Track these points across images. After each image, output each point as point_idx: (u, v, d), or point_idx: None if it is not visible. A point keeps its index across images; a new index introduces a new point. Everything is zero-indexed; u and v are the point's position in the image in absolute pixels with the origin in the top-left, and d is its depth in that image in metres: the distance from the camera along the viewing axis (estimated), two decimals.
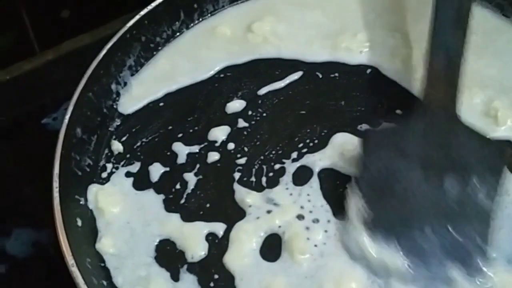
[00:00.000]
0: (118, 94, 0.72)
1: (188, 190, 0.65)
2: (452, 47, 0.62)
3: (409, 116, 0.62)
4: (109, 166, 0.68)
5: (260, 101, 0.71)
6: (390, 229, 0.57)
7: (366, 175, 0.60)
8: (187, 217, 0.63)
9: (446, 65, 0.62)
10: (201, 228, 0.62)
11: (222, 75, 0.74)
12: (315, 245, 0.60)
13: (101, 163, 0.68)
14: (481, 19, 0.72)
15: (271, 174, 0.65)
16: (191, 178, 0.66)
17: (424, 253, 0.56)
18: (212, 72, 0.74)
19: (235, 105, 0.71)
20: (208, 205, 0.64)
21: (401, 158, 0.59)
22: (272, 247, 0.61)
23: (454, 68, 0.62)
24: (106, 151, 0.69)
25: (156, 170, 0.67)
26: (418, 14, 0.75)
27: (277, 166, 0.66)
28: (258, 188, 0.65)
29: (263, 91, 0.72)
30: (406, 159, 0.59)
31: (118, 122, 0.71)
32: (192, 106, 0.72)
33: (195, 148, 0.68)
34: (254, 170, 0.66)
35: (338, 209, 0.61)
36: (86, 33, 0.86)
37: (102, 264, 0.61)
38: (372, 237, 0.57)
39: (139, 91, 0.73)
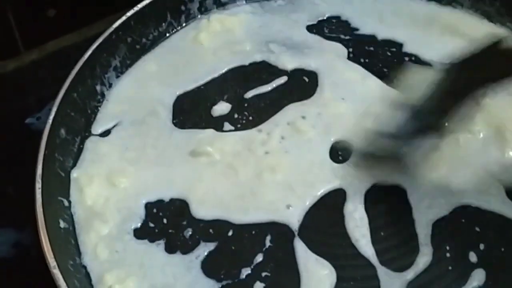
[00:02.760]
0: (102, 95, 0.72)
1: None
2: None
3: None
4: None
5: (246, 105, 0.71)
6: None
7: None
8: None
9: None
10: None
11: (208, 78, 0.74)
12: None
13: None
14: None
15: None
16: None
17: None
18: (198, 76, 0.74)
19: (221, 108, 0.71)
20: None
21: None
22: None
23: None
24: None
25: None
26: None
27: None
28: None
29: (249, 94, 0.72)
30: None
31: None
32: (177, 108, 0.71)
33: None
34: None
35: None
36: (71, 33, 0.86)
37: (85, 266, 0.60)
38: None
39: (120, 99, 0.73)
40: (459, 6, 0.78)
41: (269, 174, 0.65)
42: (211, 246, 0.61)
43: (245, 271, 0.60)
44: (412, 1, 0.80)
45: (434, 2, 0.79)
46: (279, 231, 0.62)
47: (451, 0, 0.79)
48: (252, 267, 0.60)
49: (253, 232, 0.62)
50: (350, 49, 0.75)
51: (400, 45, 0.76)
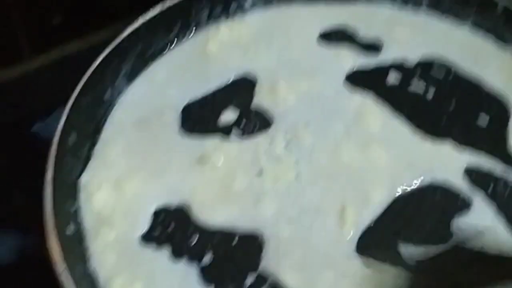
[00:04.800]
0: (112, 102, 0.72)
1: None
2: None
3: None
4: None
5: (253, 113, 0.71)
6: None
7: None
8: None
9: None
10: None
11: (217, 86, 0.74)
12: None
13: None
14: None
15: None
16: None
17: None
18: (206, 83, 0.74)
19: (229, 115, 0.71)
20: None
21: None
22: None
23: None
24: None
25: None
26: None
27: None
28: None
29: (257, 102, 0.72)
30: None
31: None
32: (186, 115, 0.71)
33: None
34: None
35: None
36: (77, 40, 0.86)
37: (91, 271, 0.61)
38: None
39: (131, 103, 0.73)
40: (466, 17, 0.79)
41: (273, 183, 0.66)
42: (216, 253, 0.62)
43: (251, 279, 0.60)
44: None
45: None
46: None
47: (458, 12, 0.79)
48: (257, 274, 0.60)
49: (259, 239, 0.62)
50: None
51: None
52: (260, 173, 0.66)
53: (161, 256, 0.62)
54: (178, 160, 0.68)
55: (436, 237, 0.62)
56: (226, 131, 0.70)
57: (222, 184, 0.66)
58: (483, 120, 0.71)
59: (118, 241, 0.62)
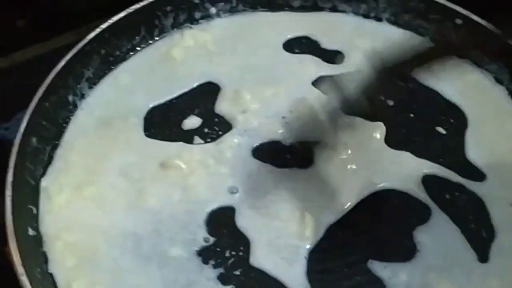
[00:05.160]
0: (75, 105, 0.72)
1: None
2: None
3: None
4: None
5: (216, 119, 0.72)
6: None
7: None
8: None
9: None
10: None
11: (180, 92, 0.74)
12: None
13: None
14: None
15: None
16: None
17: None
18: (170, 89, 0.74)
19: (192, 121, 0.72)
20: None
21: None
22: None
23: None
24: None
25: None
26: None
27: None
28: None
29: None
30: None
31: None
32: (149, 120, 0.72)
33: None
34: None
35: None
36: (39, 44, 0.86)
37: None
38: None
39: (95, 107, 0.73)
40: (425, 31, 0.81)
41: (238, 185, 0.67)
42: (177, 257, 0.62)
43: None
44: None
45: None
46: None
47: (417, 26, 0.81)
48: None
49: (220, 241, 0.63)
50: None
51: None
52: (224, 176, 0.67)
53: (124, 260, 0.62)
54: (141, 164, 0.68)
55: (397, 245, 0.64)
56: (189, 135, 0.70)
57: (185, 187, 0.66)
58: (441, 129, 0.72)
59: (78, 245, 0.62)
